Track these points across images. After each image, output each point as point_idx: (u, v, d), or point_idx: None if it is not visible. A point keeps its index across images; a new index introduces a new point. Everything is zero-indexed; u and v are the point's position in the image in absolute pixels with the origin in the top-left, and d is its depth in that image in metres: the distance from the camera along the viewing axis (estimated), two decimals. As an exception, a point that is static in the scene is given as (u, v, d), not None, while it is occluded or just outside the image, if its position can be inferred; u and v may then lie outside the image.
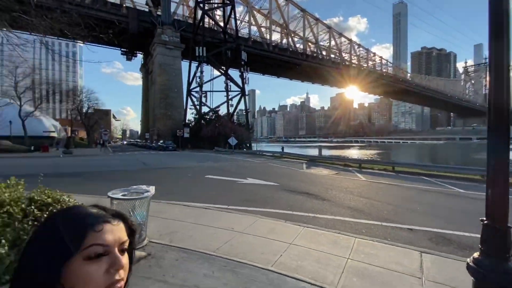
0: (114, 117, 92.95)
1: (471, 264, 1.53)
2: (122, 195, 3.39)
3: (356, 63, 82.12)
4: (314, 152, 28.92)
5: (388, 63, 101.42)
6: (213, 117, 47.11)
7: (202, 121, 46.26)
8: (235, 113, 51.88)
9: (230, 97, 49.23)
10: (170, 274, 2.92)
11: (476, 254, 1.55)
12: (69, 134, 46.80)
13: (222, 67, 48.36)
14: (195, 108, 48.57)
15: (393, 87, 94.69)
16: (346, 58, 78.97)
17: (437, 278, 3.07)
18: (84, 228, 0.46)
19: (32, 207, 2.54)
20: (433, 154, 47.16)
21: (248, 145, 45.23)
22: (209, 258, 3.32)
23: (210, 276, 2.92)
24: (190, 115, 50.08)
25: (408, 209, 6.60)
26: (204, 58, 44.88)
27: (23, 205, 2.50)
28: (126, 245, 0.52)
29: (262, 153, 28.46)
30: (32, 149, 26.56)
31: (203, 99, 47.92)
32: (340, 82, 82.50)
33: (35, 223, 2.52)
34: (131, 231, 0.54)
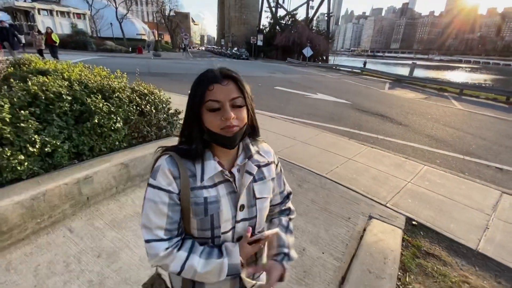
0: (192, 20, 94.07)
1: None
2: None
3: None
4: (404, 71, 24.53)
5: None
6: (289, 22, 42.64)
7: (277, 27, 42.68)
8: (314, 18, 45.41)
9: (311, -4, 42.24)
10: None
11: None
12: (157, 38, 50.77)
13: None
14: (271, 11, 44.31)
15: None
16: None
17: (510, 219, 2.80)
18: (203, 88, 0.66)
19: (134, 95, 3.15)
20: None
21: (324, 57, 41.06)
22: (270, 157, 3.74)
23: (270, 171, 3.37)
24: (265, 20, 46.51)
25: (507, 148, 5.52)
26: None
27: (127, 93, 3.12)
28: (239, 101, 0.67)
29: (339, 68, 25.79)
30: (130, 50, 30.42)
31: (280, 0, 42.68)
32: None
33: (137, 108, 3.18)
34: (241, 89, 0.69)
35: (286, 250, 0.80)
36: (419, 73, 30.05)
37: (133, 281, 1.80)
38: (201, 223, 0.70)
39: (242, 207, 0.72)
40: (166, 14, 49.52)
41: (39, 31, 12.24)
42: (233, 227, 0.73)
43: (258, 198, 0.75)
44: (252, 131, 0.77)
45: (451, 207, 2.95)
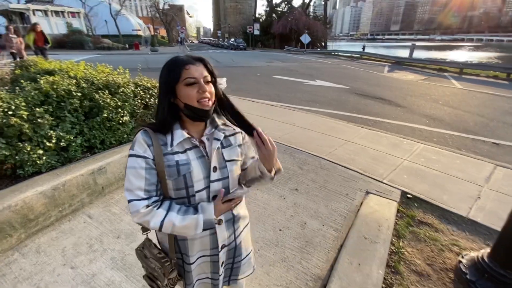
0: (187, 13, 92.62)
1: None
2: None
3: None
4: (404, 53, 24.21)
5: None
6: (285, 9, 41.90)
7: (273, 15, 41.99)
8: (311, 4, 44.51)
9: (307, -19, 41.30)
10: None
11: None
12: (152, 33, 50.28)
13: None
14: (266, -1, 43.51)
15: None
16: None
17: (501, 189, 2.94)
18: (180, 68, 0.79)
19: (138, 89, 3.29)
20: None
21: (323, 43, 40.48)
22: (271, 143, 3.89)
23: (271, 156, 3.52)
24: (261, 8, 45.78)
25: (505, 123, 5.60)
26: None
27: (132, 88, 3.26)
28: (209, 78, 0.82)
29: (338, 54, 25.52)
30: (127, 47, 30.29)
31: (276, -13, 41.79)
32: None
33: (142, 101, 3.33)
34: (209, 70, 0.84)
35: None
36: (420, 54, 29.59)
37: (151, 256, 1.99)
38: (176, 183, 0.82)
39: (215, 168, 0.85)
40: (160, 7, 48.86)
41: (15, 31, 9.13)
42: (208, 186, 0.85)
43: (228, 161, 0.88)
44: (218, 104, 0.89)
45: (445, 181, 3.09)
